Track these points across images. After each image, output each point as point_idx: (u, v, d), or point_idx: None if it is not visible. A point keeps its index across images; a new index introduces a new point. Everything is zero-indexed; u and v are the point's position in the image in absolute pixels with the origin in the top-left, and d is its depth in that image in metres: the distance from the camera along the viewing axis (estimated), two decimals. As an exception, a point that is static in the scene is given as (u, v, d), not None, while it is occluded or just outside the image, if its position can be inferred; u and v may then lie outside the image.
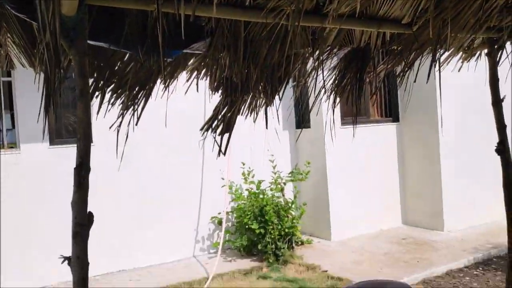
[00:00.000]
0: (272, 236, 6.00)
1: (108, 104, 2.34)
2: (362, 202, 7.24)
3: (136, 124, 2.35)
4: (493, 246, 6.05)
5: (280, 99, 3.02)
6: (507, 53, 3.12)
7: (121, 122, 2.39)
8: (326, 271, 5.48)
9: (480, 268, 5.43)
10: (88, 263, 1.75)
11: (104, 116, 2.40)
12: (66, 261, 1.74)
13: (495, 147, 3.18)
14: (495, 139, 3.28)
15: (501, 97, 3.19)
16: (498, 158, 3.21)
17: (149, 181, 6.23)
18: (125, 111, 2.39)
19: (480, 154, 7.39)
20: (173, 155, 6.41)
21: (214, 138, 2.79)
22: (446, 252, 5.94)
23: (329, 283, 5.09)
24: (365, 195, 7.28)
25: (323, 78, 3.15)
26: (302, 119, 7.45)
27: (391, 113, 7.66)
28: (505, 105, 3.24)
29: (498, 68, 3.22)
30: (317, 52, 2.60)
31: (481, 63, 3.49)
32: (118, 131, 2.39)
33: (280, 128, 7.30)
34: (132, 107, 2.38)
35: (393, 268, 5.41)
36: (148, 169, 6.23)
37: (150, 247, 6.19)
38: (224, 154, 2.70)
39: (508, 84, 3.93)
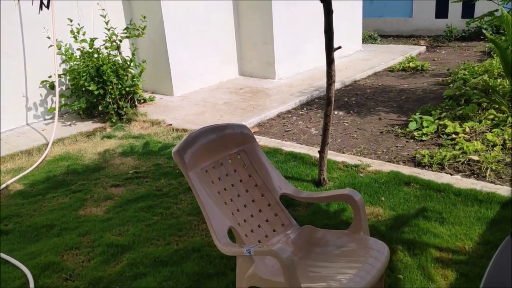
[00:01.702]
0: (113, 96, 5.85)
1: None
2: (202, 56, 7.35)
3: None
4: (315, 89, 6.91)
5: None
6: None
7: None
8: (171, 124, 5.69)
9: (305, 108, 6.24)
10: None
11: None
12: None
13: (319, -4, 3.43)
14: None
15: None
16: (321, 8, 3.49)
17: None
18: None
19: (304, 4, 7.89)
20: (-19, 12, 5.45)
21: (33, -12, 2.44)
22: (277, 97, 6.60)
23: (174, 135, 5.35)
24: (204, 49, 7.37)
25: None
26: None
27: (226, -38, 7.47)
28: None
29: None
30: None
31: None
32: None
33: (109, -22, 6.62)
34: None
35: (232, 115, 5.87)
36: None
37: (-28, 119, 5.55)
38: (48, 7, 2.42)
39: None
